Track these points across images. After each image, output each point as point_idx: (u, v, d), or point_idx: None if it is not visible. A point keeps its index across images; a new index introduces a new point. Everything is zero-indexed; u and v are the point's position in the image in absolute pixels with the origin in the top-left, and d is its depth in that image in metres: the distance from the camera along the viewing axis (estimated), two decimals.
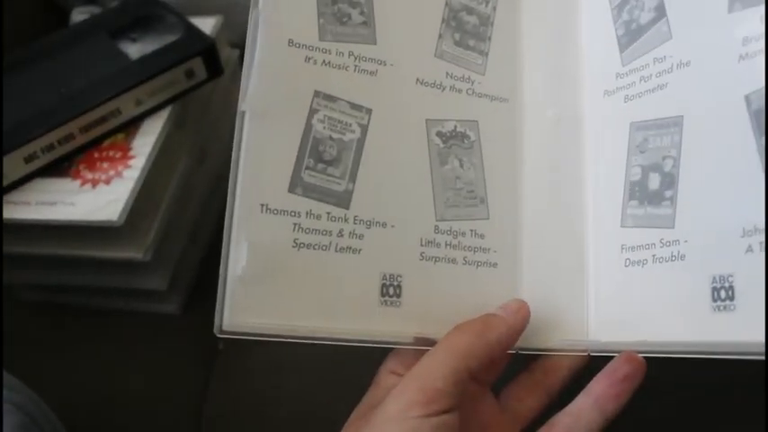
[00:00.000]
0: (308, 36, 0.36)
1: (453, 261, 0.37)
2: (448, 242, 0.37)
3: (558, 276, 0.38)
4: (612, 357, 0.34)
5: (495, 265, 0.38)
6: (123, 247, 0.48)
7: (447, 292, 0.36)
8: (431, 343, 0.34)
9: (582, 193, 0.38)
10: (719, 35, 0.34)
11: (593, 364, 0.35)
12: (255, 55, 0.35)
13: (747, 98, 0.32)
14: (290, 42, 0.36)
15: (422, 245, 0.36)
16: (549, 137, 0.39)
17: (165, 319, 0.55)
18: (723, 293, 0.31)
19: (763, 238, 0.30)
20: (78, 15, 0.64)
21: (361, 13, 0.37)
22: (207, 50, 0.53)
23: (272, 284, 0.33)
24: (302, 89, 0.36)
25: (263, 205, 0.34)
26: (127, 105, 0.50)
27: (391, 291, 0.35)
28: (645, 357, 0.33)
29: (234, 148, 0.34)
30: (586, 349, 0.36)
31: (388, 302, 0.35)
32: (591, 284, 0.37)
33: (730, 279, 0.31)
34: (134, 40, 0.55)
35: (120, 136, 0.51)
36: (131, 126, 0.51)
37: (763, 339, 0.29)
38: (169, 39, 0.53)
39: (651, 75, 0.36)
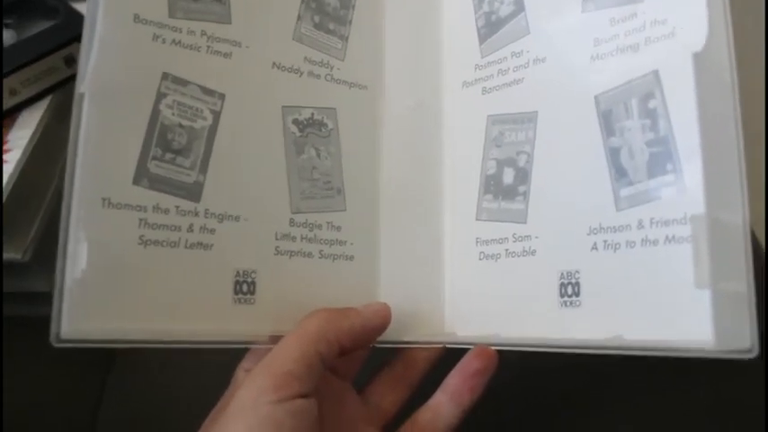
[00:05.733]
0: (156, 12, 0.35)
1: (309, 255, 0.38)
2: (304, 235, 0.38)
3: (415, 269, 0.40)
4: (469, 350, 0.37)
5: (351, 258, 0.39)
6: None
7: (303, 288, 0.38)
8: None
9: (440, 186, 0.41)
10: (573, 34, 0.37)
11: (458, 354, 0.38)
12: (96, 31, 0.34)
13: (597, 99, 0.35)
14: (136, 18, 0.35)
15: (277, 239, 0.37)
16: (408, 127, 0.41)
17: None
18: (570, 289, 0.35)
19: (607, 237, 0.34)
20: None
21: None
22: None
23: (117, 286, 0.33)
24: (149, 71, 0.35)
25: (104, 199, 0.33)
26: None
27: (245, 288, 0.36)
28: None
29: (71, 136, 0.33)
30: (442, 342, 0.39)
31: (242, 300, 0.36)
32: (447, 277, 0.40)
33: (577, 275, 0.35)
34: (8, 26, 0.53)
35: None
36: (7, 118, 0.50)
37: (604, 335, 0.33)
38: (47, 24, 0.51)
39: (509, 68, 0.39)
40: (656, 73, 0.33)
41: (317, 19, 0.40)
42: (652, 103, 0.33)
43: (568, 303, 0.35)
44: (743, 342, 0.29)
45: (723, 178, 0.31)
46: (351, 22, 0.41)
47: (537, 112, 0.38)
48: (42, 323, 0.33)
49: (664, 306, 0.31)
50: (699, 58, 0.31)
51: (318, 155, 0.39)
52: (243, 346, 0.37)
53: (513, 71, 0.39)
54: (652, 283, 0.32)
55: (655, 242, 0.32)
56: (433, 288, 0.40)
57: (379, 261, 0.40)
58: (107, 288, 0.33)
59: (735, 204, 0.31)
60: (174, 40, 0.36)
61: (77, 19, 0.52)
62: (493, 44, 0.40)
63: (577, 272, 0.35)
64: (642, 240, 0.33)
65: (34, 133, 0.49)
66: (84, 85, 0.33)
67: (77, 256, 0.32)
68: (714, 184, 0.31)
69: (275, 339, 0.36)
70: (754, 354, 0.29)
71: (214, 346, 0.35)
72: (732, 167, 0.31)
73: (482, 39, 0.41)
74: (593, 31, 0.36)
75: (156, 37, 0.35)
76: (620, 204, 0.34)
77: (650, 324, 0.32)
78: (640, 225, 0.33)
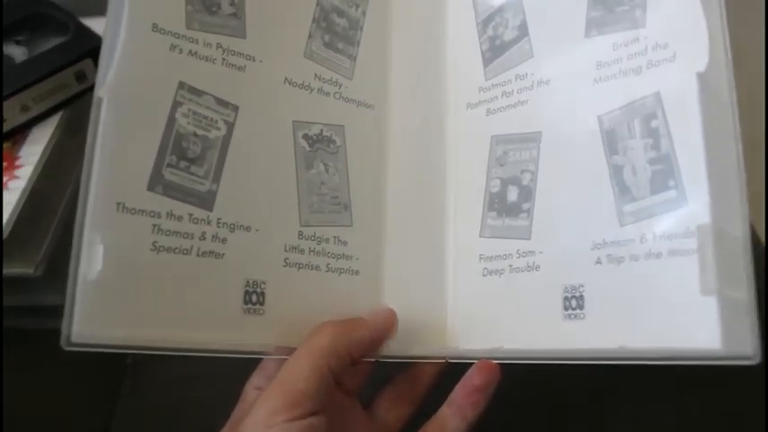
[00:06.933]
0: (174, 22, 0.36)
1: (317, 268, 0.39)
2: (311, 248, 0.39)
3: (418, 285, 0.41)
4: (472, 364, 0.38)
5: (356, 272, 0.40)
6: (12, 262, 0.47)
7: (310, 300, 0.38)
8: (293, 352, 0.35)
9: (444, 204, 0.42)
10: (577, 58, 0.39)
11: (467, 366, 0.38)
12: (119, 38, 0.35)
13: (600, 119, 0.37)
14: (155, 27, 0.36)
15: (286, 250, 0.38)
16: (414, 146, 0.42)
17: None
18: (574, 302, 0.36)
19: (611, 251, 0.35)
20: None
21: (232, 3, 0.38)
22: (98, 51, 0.51)
23: (129, 291, 0.33)
24: (166, 79, 0.36)
25: (119, 204, 0.33)
26: (12, 112, 0.50)
27: (254, 298, 0.36)
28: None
29: (88, 139, 0.33)
30: (445, 357, 0.39)
31: (252, 311, 0.36)
32: (450, 293, 0.41)
33: (581, 289, 0.36)
34: (19, 43, 0.53)
35: (7, 145, 0.50)
36: (18, 134, 0.51)
37: (608, 345, 0.34)
38: (58, 40, 0.52)
39: (513, 90, 0.41)
40: (657, 94, 0.35)
41: (326, 38, 0.42)
42: (654, 123, 0.35)
43: (572, 316, 0.36)
44: (746, 348, 0.31)
45: (724, 194, 0.32)
46: (359, 42, 0.43)
47: (541, 132, 0.39)
48: (55, 336, 0.34)
49: (668, 314, 0.33)
50: (699, 81, 0.33)
51: (327, 170, 0.40)
52: (251, 356, 0.37)
53: (518, 93, 0.40)
54: (656, 294, 0.33)
55: (658, 255, 0.33)
56: (437, 303, 0.40)
57: (383, 276, 0.41)
58: (119, 292, 0.33)
59: (735, 219, 0.32)
60: (190, 51, 0.37)
61: (88, 35, 0.53)
62: (497, 67, 0.42)
63: (581, 285, 0.36)
64: (646, 254, 0.34)
65: (45, 149, 0.50)
66: (102, 90, 0.34)
67: (92, 259, 0.32)
68: (715, 199, 0.32)
69: (281, 350, 0.36)
70: (757, 360, 0.30)
71: (223, 355, 0.35)
72: (732, 184, 0.32)
73: (486, 62, 0.42)
74: (596, 54, 0.38)
75: (173, 47, 0.36)
76: (624, 220, 0.35)
77: (654, 333, 0.33)
78: (643, 239, 0.34)
